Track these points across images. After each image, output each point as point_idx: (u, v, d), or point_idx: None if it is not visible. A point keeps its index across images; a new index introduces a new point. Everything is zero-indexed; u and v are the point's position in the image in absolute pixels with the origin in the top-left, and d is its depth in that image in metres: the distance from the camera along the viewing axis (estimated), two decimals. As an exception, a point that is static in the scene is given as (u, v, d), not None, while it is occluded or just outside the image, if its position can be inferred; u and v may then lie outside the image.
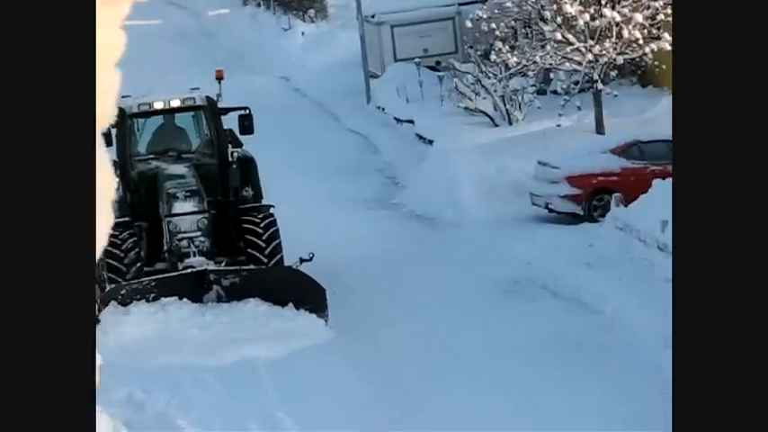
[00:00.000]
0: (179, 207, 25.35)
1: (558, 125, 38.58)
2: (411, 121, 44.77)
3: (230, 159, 27.37)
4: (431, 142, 41.10)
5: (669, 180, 29.03)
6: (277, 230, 26.14)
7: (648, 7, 38.43)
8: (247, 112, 27.79)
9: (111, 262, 25.07)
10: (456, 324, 25.67)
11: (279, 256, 26.10)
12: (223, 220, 26.46)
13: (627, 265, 28.31)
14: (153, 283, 24.89)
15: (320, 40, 58.20)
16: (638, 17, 37.92)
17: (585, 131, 38.12)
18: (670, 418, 20.07)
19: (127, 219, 25.54)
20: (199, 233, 25.32)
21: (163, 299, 24.65)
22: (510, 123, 40.79)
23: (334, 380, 22.69)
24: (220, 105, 27.54)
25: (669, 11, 37.45)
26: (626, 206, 30.55)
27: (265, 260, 25.90)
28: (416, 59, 48.22)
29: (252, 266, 25.77)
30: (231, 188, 26.95)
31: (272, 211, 26.72)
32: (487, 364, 23.56)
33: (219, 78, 28.55)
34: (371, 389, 22.54)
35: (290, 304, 24.63)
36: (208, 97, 27.35)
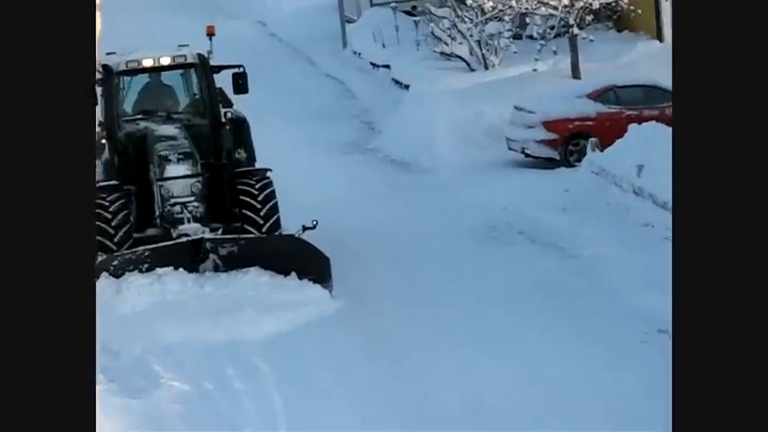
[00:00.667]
0: (172, 170, 24.21)
1: (535, 70, 38.52)
2: (387, 66, 44.81)
3: (222, 120, 26.24)
4: (407, 87, 41.12)
5: (645, 125, 29.96)
6: (274, 193, 25.10)
7: None
8: (241, 70, 26.57)
9: (101, 225, 23.91)
10: (432, 269, 25.40)
11: (275, 218, 25.00)
12: (217, 185, 25.40)
13: (603, 210, 28.13)
14: (147, 253, 23.80)
15: None
16: None
17: (561, 76, 37.99)
18: (647, 360, 20.11)
19: (114, 182, 24.86)
20: (192, 198, 24.32)
21: (158, 269, 23.61)
22: (486, 68, 40.54)
23: (310, 327, 22.40)
24: (212, 63, 26.42)
25: None
26: (602, 151, 30.30)
27: (262, 225, 24.90)
28: (392, 4, 48.87)
29: (251, 235, 24.78)
30: (224, 150, 26.01)
31: (268, 174, 25.56)
32: (465, 310, 23.38)
33: (210, 34, 27.44)
34: (355, 340, 22.16)
35: (293, 274, 23.72)
36: (200, 54, 26.25)
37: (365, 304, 24.00)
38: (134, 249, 23.95)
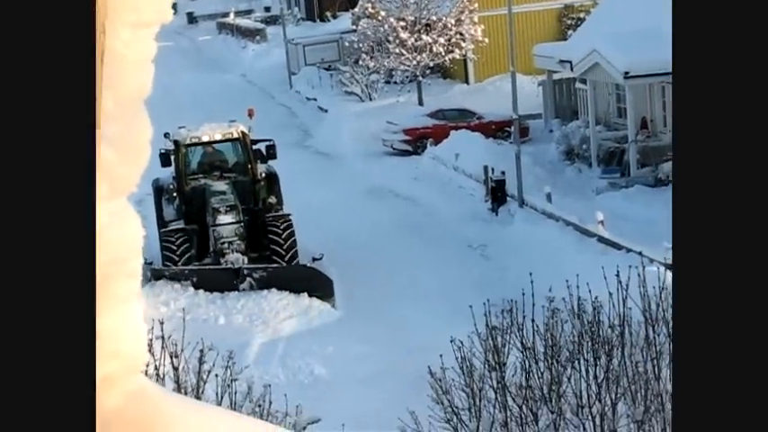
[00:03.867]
0: (221, 219, 24.63)
1: (398, 101, 45.10)
2: (315, 99, 50.96)
3: (259, 177, 26.59)
4: (326, 111, 47.81)
5: (459, 131, 36.46)
6: (293, 233, 25.19)
7: (447, 34, 44.49)
8: (272, 142, 26.91)
9: (168, 254, 24.62)
10: (337, 212, 29.95)
11: (294, 251, 25.07)
12: (254, 224, 25.54)
13: (436, 179, 34.33)
14: (202, 271, 24.51)
15: (263, 54, 65.39)
16: (441, 40, 44.46)
17: (412, 104, 44.17)
18: (465, 260, 26.54)
19: (181, 223, 25.43)
20: (236, 238, 24.58)
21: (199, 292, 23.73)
22: (370, 100, 46.82)
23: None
24: (252, 137, 26.81)
25: (462, 33, 44.15)
26: (435, 146, 36.73)
27: (284, 257, 24.97)
28: (317, 64, 55.27)
29: (276, 265, 24.82)
30: (260, 198, 26.28)
31: (290, 217, 25.59)
32: (358, 235, 28.19)
33: (251, 115, 27.86)
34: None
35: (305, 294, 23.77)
36: (242, 131, 26.56)
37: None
38: (191, 266, 24.69)
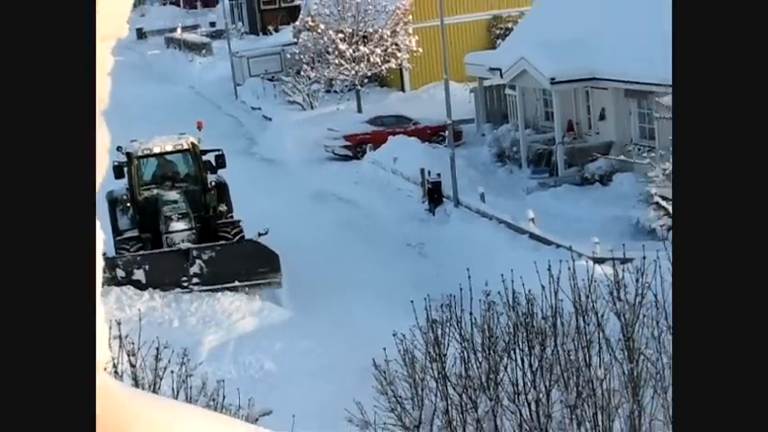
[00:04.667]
0: (174, 226, 24.55)
1: (338, 109, 44.96)
2: (259, 108, 50.88)
3: (209, 186, 26.48)
4: (270, 119, 47.94)
5: (396, 137, 36.67)
6: (243, 238, 25.07)
7: (383, 45, 44.71)
8: (221, 152, 26.74)
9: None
10: (283, 216, 29.22)
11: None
12: (206, 231, 25.43)
13: (375, 182, 34.43)
14: (153, 256, 24.19)
15: (209, 67, 65.20)
16: (378, 51, 44.64)
17: (352, 112, 44.24)
18: (406, 257, 26.88)
19: (135, 232, 25.25)
20: (188, 244, 24.53)
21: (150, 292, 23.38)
22: (312, 108, 47.11)
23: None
24: (202, 147, 26.66)
25: (397, 44, 44.37)
26: (374, 151, 36.82)
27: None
28: (261, 76, 55.38)
29: (222, 242, 24.83)
30: (211, 206, 26.16)
31: (240, 223, 25.70)
32: (304, 237, 28.18)
33: (200, 127, 27.54)
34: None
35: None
36: (192, 142, 26.39)
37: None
38: (142, 252, 24.37)
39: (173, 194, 25.45)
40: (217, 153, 26.57)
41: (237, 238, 25.09)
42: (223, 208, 26.06)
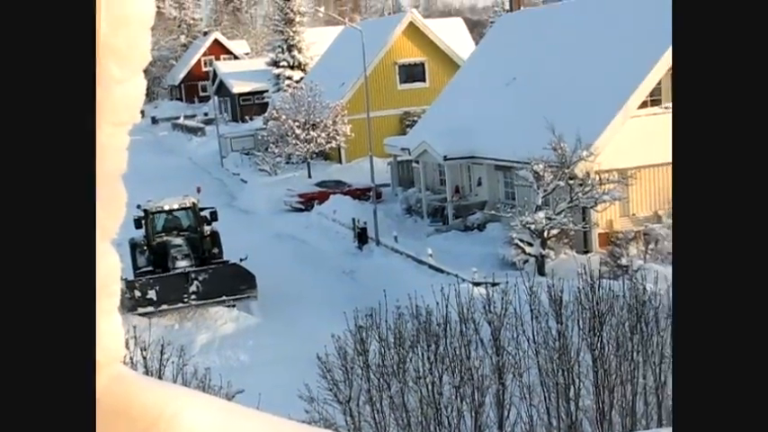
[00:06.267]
0: (179, 264, 23.77)
1: (294, 175, 44.29)
2: (239, 174, 49.55)
3: (205, 234, 25.53)
4: (246, 182, 46.45)
5: (336, 195, 35.86)
6: (228, 262, 24.30)
7: (327, 131, 44.13)
8: (214, 210, 25.93)
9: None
10: (253, 249, 26.57)
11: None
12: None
13: (320, 227, 33.95)
14: (161, 278, 23.20)
15: (203, 144, 63.00)
16: (323, 134, 43.98)
17: (304, 177, 43.59)
18: (341, 280, 26.39)
19: (150, 268, 24.42)
20: (189, 268, 23.62)
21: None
22: (276, 174, 45.76)
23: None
24: (200, 206, 25.91)
25: (336, 130, 43.55)
26: (320, 205, 36.34)
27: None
28: (240, 151, 54.29)
29: (213, 266, 24.01)
30: (207, 250, 25.20)
31: (228, 263, 24.29)
32: (268, 264, 26.30)
33: (198, 191, 27.57)
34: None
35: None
36: (193, 202, 25.75)
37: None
38: (151, 276, 23.38)
39: (178, 240, 24.76)
40: (211, 210, 25.85)
41: (223, 261, 24.48)
42: (216, 251, 25.24)
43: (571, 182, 24.27)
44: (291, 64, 56.42)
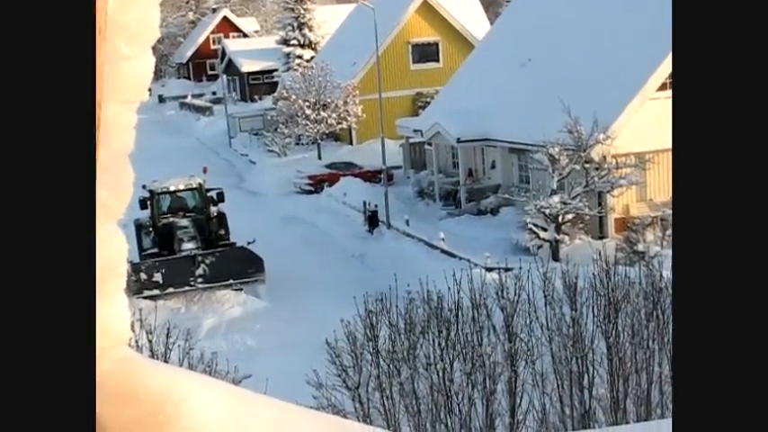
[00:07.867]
0: (185, 246, 23.63)
1: (304, 157, 44.37)
2: (247, 155, 49.81)
3: (211, 215, 25.35)
4: (255, 163, 46.87)
5: (346, 177, 36.29)
6: (235, 244, 24.17)
7: (337, 111, 44.16)
8: (221, 190, 25.89)
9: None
10: (262, 233, 26.82)
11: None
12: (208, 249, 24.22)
13: (330, 210, 33.90)
14: (167, 261, 23.15)
15: (211, 124, 62.91)
16: (334, 115, 44.17)
17: (314, 159, 43.63)
18: (344, 261, 26.64)
19: (156, 251, 24.16)
20: (195, 251, 23.62)
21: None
22: (285, 156, 45.95)
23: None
24: (207, 186, 25.90)
25: (347, 110, 43.75)
26: (330, 187, 36.58)
27: None
28: (249, 131, 54.22)
29: (220, 249, 23.84)
30: (213, 232, 25.01)
31: (235, 245, 24.23)
32: (277, 248, 26.76)
33: (205, 171, 27.36)
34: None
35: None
36: (199, 182, 25.66)
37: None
38: (157, 259, 23.22)
39: (184, 222, 24.57)
40: (218, 191, 25.71)
41: (231, 243, 24.28)
42: (222, 232, 25.06)
43: (587, 165, 24.32)
44: (302, 42, 56.35)
